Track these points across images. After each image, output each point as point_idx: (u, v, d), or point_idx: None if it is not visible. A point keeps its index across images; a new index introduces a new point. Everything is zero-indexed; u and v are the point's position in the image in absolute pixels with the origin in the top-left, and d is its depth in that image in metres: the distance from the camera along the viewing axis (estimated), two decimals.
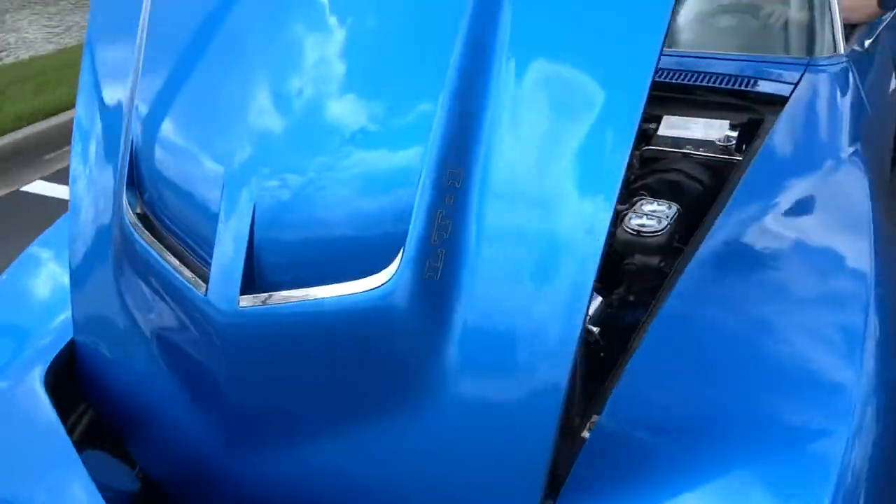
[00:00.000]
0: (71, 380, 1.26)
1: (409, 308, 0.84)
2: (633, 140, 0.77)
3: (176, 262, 1.03)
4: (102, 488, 1.10)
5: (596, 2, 0.80)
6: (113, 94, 1.17)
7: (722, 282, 1.17)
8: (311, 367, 0.94)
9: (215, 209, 0.97)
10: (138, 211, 1.12)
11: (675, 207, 1.35)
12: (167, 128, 1.06)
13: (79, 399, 1.27)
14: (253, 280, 0.95)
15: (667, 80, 1.66)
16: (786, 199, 1.30)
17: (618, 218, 1.37)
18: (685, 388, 1.00)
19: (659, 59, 0.76)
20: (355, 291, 0.86)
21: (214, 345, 0.99)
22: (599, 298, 1.25)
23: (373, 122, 0.88)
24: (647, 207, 1.36)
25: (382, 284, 0.84)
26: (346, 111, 0.90)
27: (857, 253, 1.15)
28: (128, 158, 1.10)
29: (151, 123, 1.08)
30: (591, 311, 1.22)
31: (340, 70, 0.90)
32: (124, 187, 1.10)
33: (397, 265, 0.84)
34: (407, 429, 0.89)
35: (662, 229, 1.30)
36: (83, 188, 1.20)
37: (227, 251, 0.95)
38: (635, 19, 0.78)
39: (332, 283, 0.89)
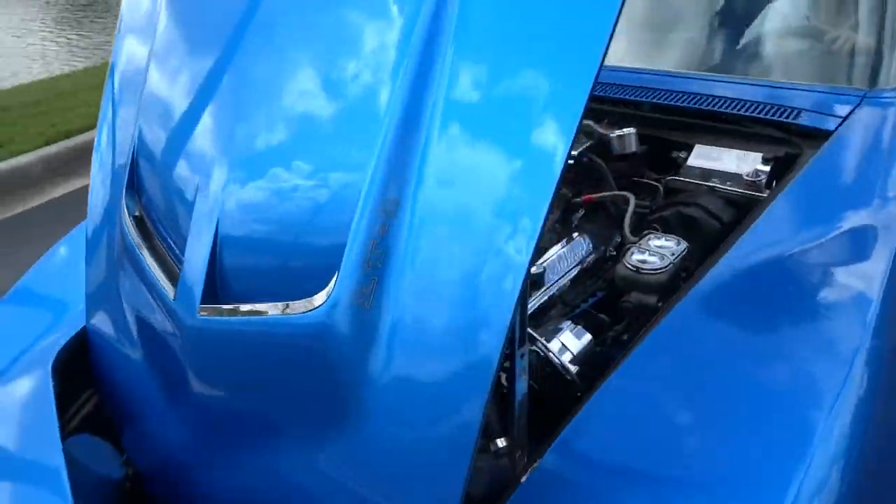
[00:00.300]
0: (84, 362, 1.35)
1: (340, 332, 0.84)
2: (567, 152, 0.75)
3: (156, 265, 1.08)
4: (87, 472, 1.17)
5: (533, 30, 0.78)
6: (126, 93, 1.23)
7: (704, 327, 1.11)
8: (258, 378, 0.96)
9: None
10: (136, 213, 1.18)
11: (683, 245, 1.28)
12: (161, 134, 1.12)
13: (88, 382, 1.36)
14: (215, 290, 0.98)
15: (704, 106, 1.58)
16: (798, 244, 1.20)
17: (621, 252, 1.32)
18: (640, 435, 0.95)
19: (598, 72, 0.73)
20: (293, 312, 0.87)
21: (182, 348, 1.03)
22: (588, 336, 1.21)
23: (321, 141, 0.89)
24: (654, 243, 1.30)
25: (316, 308, 0.85)
26: (296, 129, 0.92)
27: (858, 309, 1.06)
28: (129, 160, 1.17)
29: (150, 129, 1.14)
30: (576, 350, 1.18)
31: (297, 85, 0.92)
32: (124, 188, 1.17)
33: (330, 290, 0.84)
34: (340, 443, 0.89)
35: (664, 267, 1.23)
36: (98, 178, 1.28)
37: (194, 259, 0.99)
38: (574, 36, 0.76)
39: (284, 299, 0.91)
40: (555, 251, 1.40)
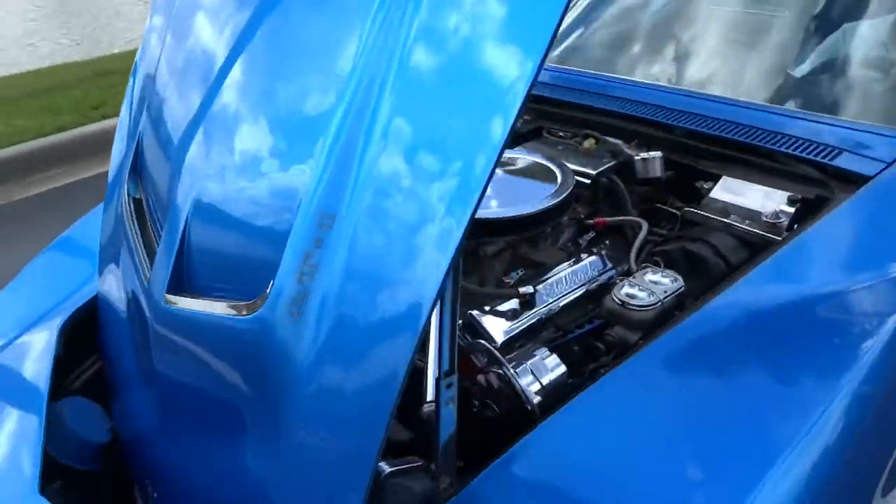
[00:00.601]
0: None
1: (270, 338, 0.86)
2: (490, 172, 0.73)
3: (142, 248, 1.13)
4: (70, 433, 1.25)
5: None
6: (144, 68, 1.28)
7: (671, 368, 1.06)
8: (202, 372, 0.99)
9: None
10: (137, 196, 1.24)
11: (679, 283, 1.22)
12: (158, 121, 1.16)
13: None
14: (182, 281, 1.02)
15: (739, 136, 1.49)
16: (795, 295, 1.12)
17: (611, 284, 1.27)
18: (576, 472, 0.93)
19: (526, 96, 0.71)
20: (232, 313, 0.90)
21: (150, 332, 1.08)
22: (561, 367, 1.17)
23: (275, 146, 0.91)
24: (649, 277, 1.24)
25: (251, 313, 0.87)
26: (252, 129, 0.94)
27: (837, 369, 0.99)
28: (134, 145, 1.22)
29: (153, 113, 1.19)
30: (545, 379, 1.15)
31: (258, 88, 0.94)
32: (127, 171, 1.22)
33: (265, 297, 0.86)
34: (263, 445, 0.91)
35: (651, 305, 1.18)
36: (116, 155, 1.35)
37: (166, 249, 1.03)
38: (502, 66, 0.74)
39: (239, 296, 0.93)
40: (556, 272, 1.37)
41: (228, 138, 0.97)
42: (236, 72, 0.96)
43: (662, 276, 1.24)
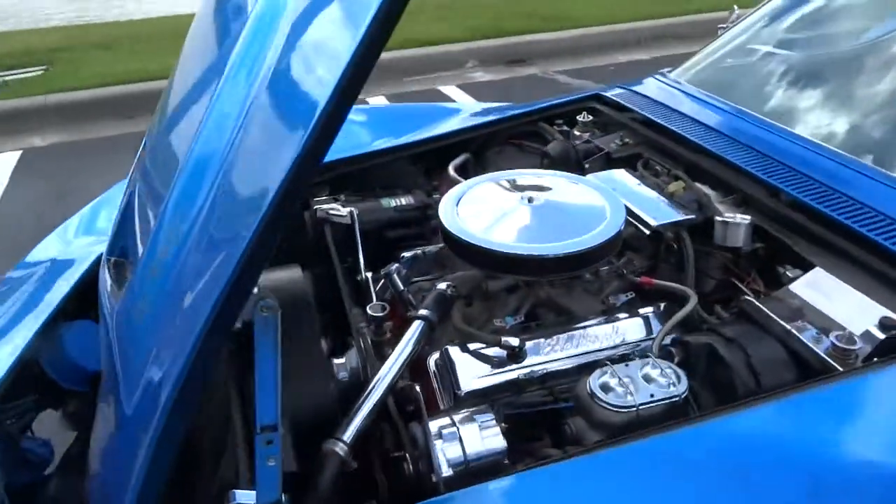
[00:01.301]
0: None
1: (128, 318, 0.87)
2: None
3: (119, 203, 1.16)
4: (63, 352, 1.33)
5: None
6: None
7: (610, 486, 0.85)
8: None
9: None
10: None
11: (679, 389, 0.97)
12: (167, 94, 1.17)
13: None
14: (118, 246, 1.03)
15: (855, 223, 1.13)
16: (818, 453, 0.84)
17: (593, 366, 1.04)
18: None
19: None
20: (114, 295, 0.89)
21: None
22: (500, 443, 0.98)
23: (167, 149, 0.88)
24: (645, 371, 1.00)
25: (119, 299, 0.86)
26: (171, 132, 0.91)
27: None
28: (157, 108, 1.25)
29: (169, 90, 1.20)
30: (471, 450, 0.98)
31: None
32: (142, 145, 1.26)
33: (126, 286, 0.84)
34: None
35: (622, 407, 0.95)
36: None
37: (116, 216, 1.05)
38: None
39: None
40: (569, 327, 1.17)
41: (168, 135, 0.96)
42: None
43: (661, 375, 0.99)
